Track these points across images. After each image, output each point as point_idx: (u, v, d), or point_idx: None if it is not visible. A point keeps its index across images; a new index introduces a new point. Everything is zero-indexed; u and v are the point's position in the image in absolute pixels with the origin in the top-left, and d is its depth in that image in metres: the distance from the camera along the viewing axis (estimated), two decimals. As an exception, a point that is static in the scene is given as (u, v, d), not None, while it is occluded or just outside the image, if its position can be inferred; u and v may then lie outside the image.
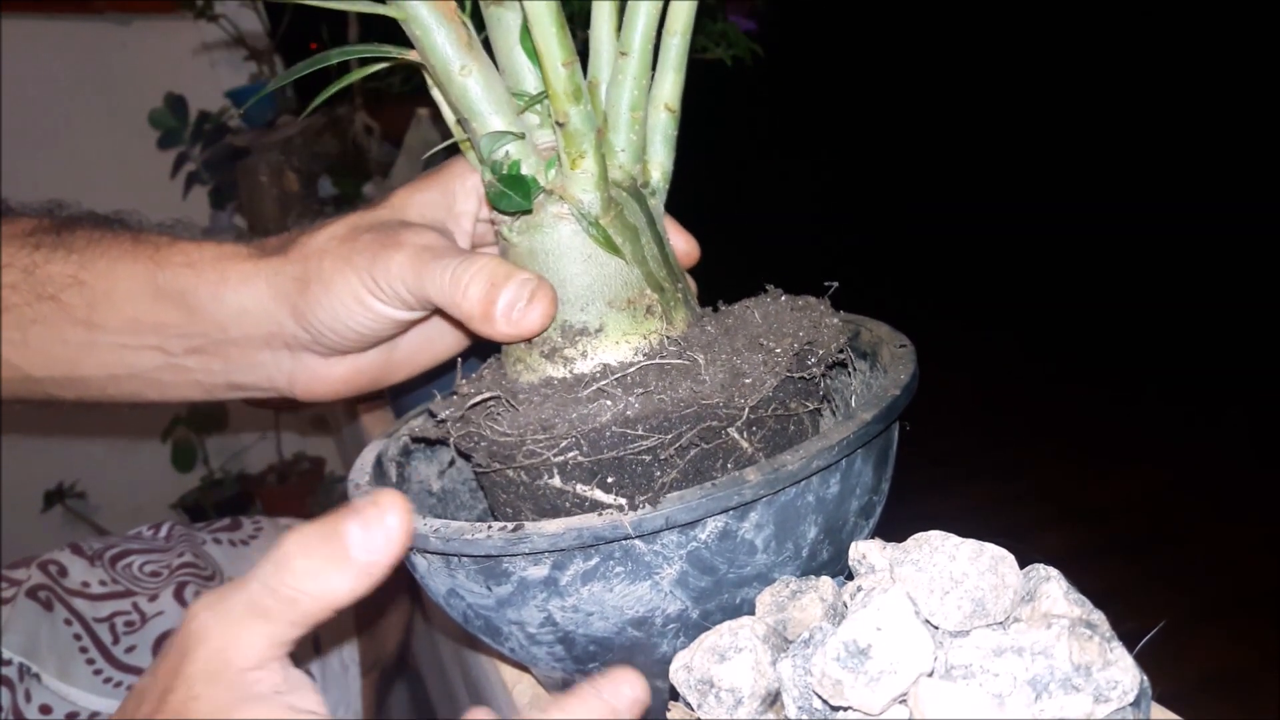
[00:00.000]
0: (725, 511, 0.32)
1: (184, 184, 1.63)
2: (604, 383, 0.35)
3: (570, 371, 0.37)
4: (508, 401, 0.36)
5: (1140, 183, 4.12)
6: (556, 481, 0.35)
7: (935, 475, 2.30)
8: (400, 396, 0.75)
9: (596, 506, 0.35)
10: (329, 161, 1.32)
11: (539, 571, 0.33)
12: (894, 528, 0.37)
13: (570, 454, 0.34)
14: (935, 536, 0.30)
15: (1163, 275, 3.36)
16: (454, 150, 0.43)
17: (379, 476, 0.42)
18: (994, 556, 0.29)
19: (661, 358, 0.36)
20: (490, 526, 0.33)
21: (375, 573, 0.31)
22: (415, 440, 0.45)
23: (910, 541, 0.31)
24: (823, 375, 0.38)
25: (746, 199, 5.28)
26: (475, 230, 0.48)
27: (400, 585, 0.89)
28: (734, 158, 5.22)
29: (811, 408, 0.38)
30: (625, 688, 0.32)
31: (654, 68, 0.39)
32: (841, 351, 0.39)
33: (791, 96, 5.02)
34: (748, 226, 4.75)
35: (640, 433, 0.34)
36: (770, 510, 0.33)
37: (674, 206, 0.43)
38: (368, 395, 0.53)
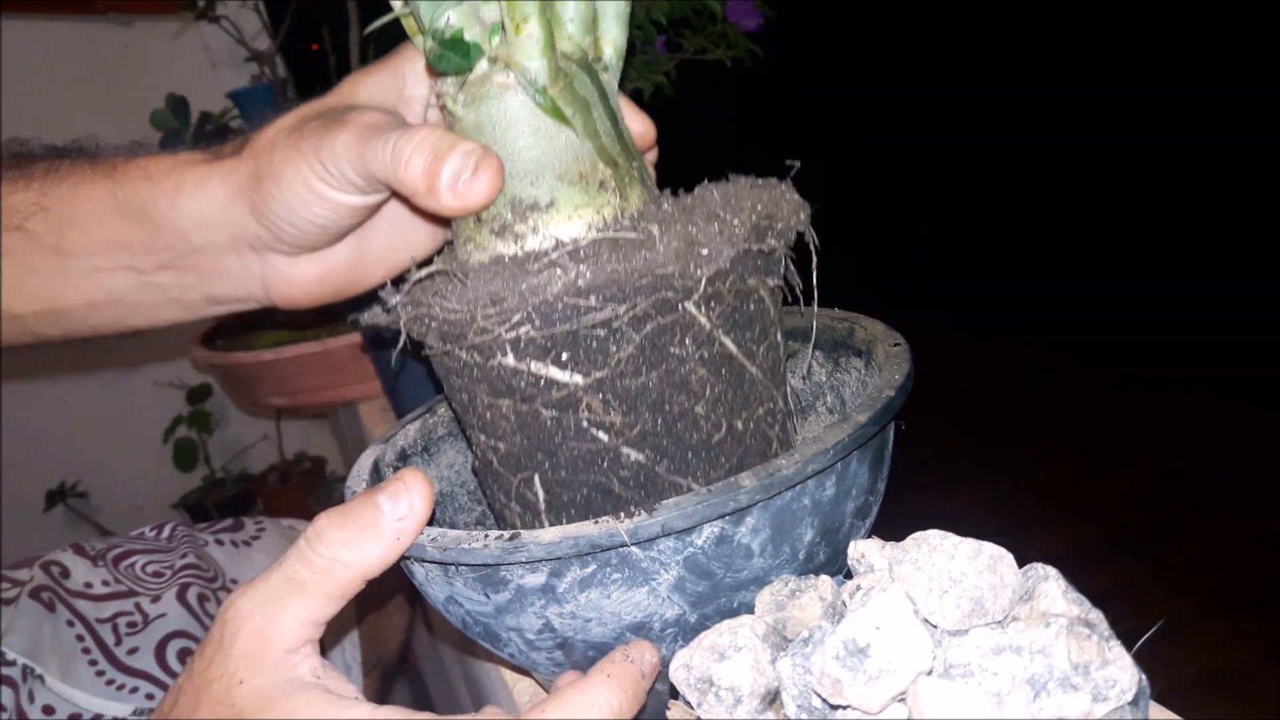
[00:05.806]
0: (721, 517, 0.32)
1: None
2: (555, 255, 0.34)
3: (521, 248, 0.36)
4: (457, 278, 0.35)
5: (1137, 182, 4.11)
6: (510, 360, 0.34)
7: (933, 474, 2.29)
8: (398, 394, 0.75)
9: (551, 385, 0.34)
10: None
11: (536, 579, 0.33)
12: (892, 527, 0.37)
13: (522, 329, 0.33)
14: (934, 536, 0.30)
15: (1161, 274, 3.36)
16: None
17: (376, 482, 0.42)
18: (992, 555, 0.29)
19: (615, 231, 0.35)
20: (487, 535, 0.33)
21: (404, 540, 0.34)
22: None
23: (909, 541, 0.31)
24: (785, 254, 0.37)
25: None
26: (426, 116, 0.47)
27: (401, 586, 0.89)
28: (732, 158, 5.20)
29: (772, 285, 0.37)
30: (647, 653, 0.35)
31: None
32: (801, 225, 0.37)
33: (790, 96, 5.02)
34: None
35: (593, 303, 0.32)
36: (766, 514, 0.32)
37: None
38: (352, 307, 0.50)
